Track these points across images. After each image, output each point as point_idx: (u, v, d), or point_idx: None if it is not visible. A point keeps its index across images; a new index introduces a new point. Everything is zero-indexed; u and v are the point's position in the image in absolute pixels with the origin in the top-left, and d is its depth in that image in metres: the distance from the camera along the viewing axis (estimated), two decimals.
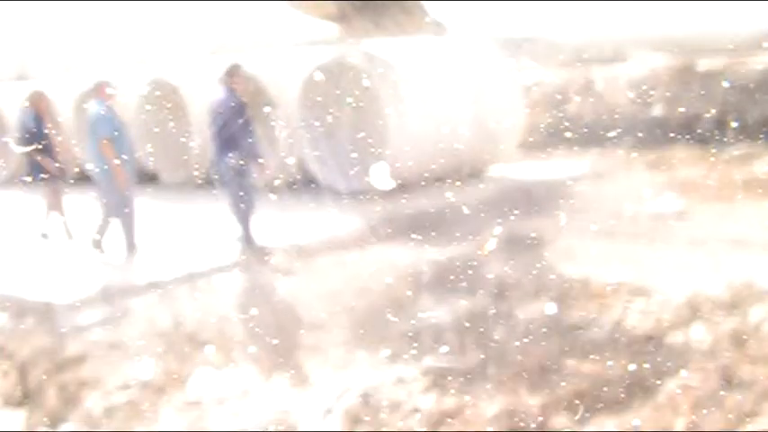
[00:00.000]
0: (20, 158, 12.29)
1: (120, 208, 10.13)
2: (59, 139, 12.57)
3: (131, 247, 10.17)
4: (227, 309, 8.29)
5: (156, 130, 15.81)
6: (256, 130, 10.34)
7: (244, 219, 10.03)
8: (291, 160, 13.22)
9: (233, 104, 9.87)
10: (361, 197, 11.93)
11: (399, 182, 12.22)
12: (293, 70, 13.39)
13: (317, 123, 13.05)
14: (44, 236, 11.91)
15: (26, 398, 8.07)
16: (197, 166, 14.82)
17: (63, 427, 7.48)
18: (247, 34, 15.49)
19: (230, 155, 9.76)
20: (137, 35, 18.05)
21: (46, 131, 11.91)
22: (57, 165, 11.86)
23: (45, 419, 7.79)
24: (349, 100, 13.10)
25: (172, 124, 15.68)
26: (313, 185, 13.05)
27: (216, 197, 13.37)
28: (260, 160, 10.21)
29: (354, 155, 12.90)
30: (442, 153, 12.46)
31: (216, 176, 10.27)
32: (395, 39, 13.54)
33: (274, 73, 13.71)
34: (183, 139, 15.26)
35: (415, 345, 7.69)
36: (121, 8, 17.90)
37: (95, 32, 19.48)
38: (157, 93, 15.69)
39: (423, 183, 12.34)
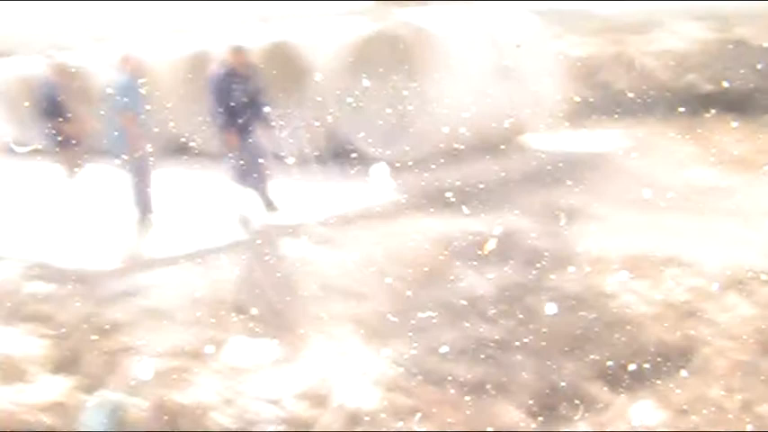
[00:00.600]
0: (42, 127, 12.40)
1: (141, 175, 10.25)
2: (81, 109, 12.70)
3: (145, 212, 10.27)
4: (265, 277, 8.31)
5: (193, 100, 15.81)
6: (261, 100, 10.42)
7: (258, 187, 10.21)
8: (329, 129, 13.21)
9: (231, 78, 10.14)
10: (398, 166, 11.91)
11: (437, 150, 12.19)
12: (333, 39, 13.35)
13: (355, 92, 12.99)
14: (74, 203, 12.06)
15: (66, 363, 8.17)
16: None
17: (102, 392, 7.58)
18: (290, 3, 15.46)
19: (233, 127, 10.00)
20: (180, 4, 18.10)
21: (67, 101, 12.05)
22: (78, 134, 12.02)
23: (85, 385, 7.91)
24: (387, 68, 13.03)
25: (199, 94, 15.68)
26: (351, 154, 13.03)
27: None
28: (269, 128, 10.39)
29: (392, 123, 12.86)
30: (480, 122, 12.38)
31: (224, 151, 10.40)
32: (431, 7, 13.45)
33: (315, 41, 13.68)
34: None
35: (454, 314, 7.71)
36: None
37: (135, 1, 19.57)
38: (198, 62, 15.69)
39: (459, 152, 12.27)
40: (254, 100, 10.19)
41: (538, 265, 8.66)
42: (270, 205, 10.24)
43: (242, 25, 15.88)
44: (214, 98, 10.15)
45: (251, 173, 10.16)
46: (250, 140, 10.10)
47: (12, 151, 17.73)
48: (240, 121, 9.99)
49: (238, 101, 10.04)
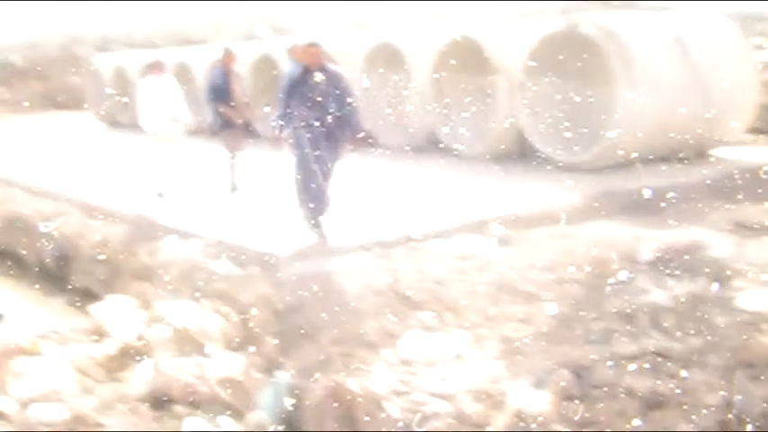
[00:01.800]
0: (208, 112, 12.88)
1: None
2: (245, 98, 13.10)
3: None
4: (443, 273, 8.33)
5: (377, 93, 16.05)
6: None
7: (318, 198, 9.46)
8: (515, 129, 13.10)
9: (302, 76, 9.45)
10: (581, 170, 11.70)
11: (621, 157, 11.92)
12: (519, 39, 13.25)
13: (540, 93, 12.84)
14: (234, 188, 12.44)
15: (245, 343, 8.43)
16: (412, 130, 14.99)
17: (279, 373, 7.77)
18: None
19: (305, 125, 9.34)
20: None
21: (232, 88, 12.44)
22: (240, 120, 12.41)
23: (261, 365, 8.14)
24: (574, 70, 12.82)
25: (391, 89, 15.92)
26: (533, 156, 12.89)
27: (435, 162, 13.57)
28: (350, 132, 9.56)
29: (577, 127, 12.64)
30: (668, 131, 12.01)
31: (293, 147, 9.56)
32: (624, 11, 13.15)
33: (499, 40, 13.62)
34: (402, 104, 15.48)
35: (631, 325, 7.51)
36: None
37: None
38: (380, 56, 15.90)
39: (644, 159, 11.94)
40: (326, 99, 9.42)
41: (720, 279, 8.34)
42: (316, 218, 9.57)
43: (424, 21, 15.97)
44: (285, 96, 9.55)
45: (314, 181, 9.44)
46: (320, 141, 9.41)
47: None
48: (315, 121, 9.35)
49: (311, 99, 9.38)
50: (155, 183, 12.45)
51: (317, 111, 9.28)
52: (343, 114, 9.36)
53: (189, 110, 12.96)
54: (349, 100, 9.44)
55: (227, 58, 12.81)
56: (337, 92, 9.37)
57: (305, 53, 9.53)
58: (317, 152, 9.27)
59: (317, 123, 9.27)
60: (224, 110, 12.38)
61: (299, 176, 9.36)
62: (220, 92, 12.48)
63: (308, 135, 9.28)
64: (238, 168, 12.54)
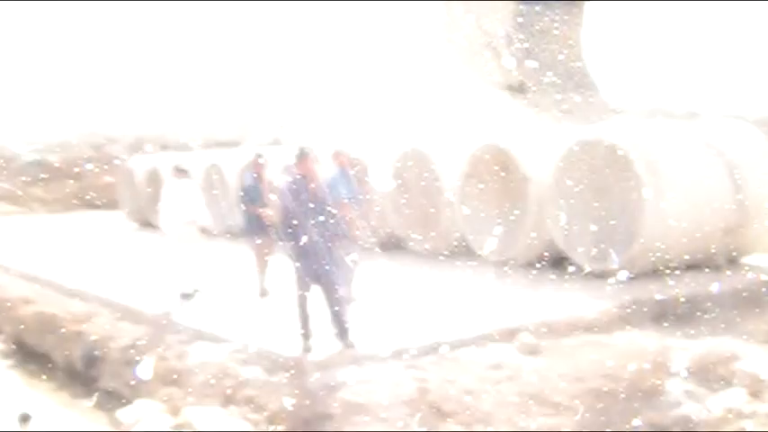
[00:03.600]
0: (240, 215, 13.09)
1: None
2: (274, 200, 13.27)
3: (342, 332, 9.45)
4: (473, 382, 8.26)
5: (406, 199, 16.19)
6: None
7: (339, 307, 9.39)
8: (547, 237, 13.11)
9: (300, 191, 9.48)
10: (611, 279, 11.66)
11: (651, 265, 11.89)
12: (548, 147, 13.37)
13: (570, 201, 12.88)
14: (263, 293, 12.48)
15: None
16: (445, 236, 15.05)
17: None
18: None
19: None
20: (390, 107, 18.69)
21: (264, 193, 12.65)
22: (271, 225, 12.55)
23: None
24: (605, 177, 12.89)
25: (422, 195, 16.06)
26: (563, 263, 12.87)
27: (463, 268, 13.58)
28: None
29: (610, 235, 12.63)
30: (699, 239, 11.99)
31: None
32: (653, 120, 13.26)
33: (528, 148, 13.75)
34: (432, 210, 15.59)
35: None
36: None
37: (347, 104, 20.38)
38: (410, 163, 16.08)
39: (678, 268, 11.89)
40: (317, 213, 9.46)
41: (759, 392, 8.24)
42: (342, 328, 9.42)
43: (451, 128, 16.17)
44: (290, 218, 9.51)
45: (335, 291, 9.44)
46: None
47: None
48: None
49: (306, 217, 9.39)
50: (181, 284, 12.50)
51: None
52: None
53: (213, 213, 13.15)
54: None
55: (259, 162, 13.04)
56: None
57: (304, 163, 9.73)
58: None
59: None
60: (256, 214, 12.52)
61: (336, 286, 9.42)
62: (252, 196, 12.67)
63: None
64: (268, 273, 12.60)
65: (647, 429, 7.47)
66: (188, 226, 12.66)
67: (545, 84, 31.47)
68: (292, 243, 9.35)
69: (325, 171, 10.38)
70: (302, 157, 9.66)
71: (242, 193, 13.04)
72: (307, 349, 9.26)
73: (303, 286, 9.40)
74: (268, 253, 12.64)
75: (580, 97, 30.13)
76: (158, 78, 37.42)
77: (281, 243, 10.16)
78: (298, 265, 9.37)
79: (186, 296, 12.33)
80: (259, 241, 12.58)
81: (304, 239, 9.22)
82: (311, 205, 9.39)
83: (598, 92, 31.69)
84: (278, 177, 10.42)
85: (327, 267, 9.30)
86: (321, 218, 9.37)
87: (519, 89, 32.22)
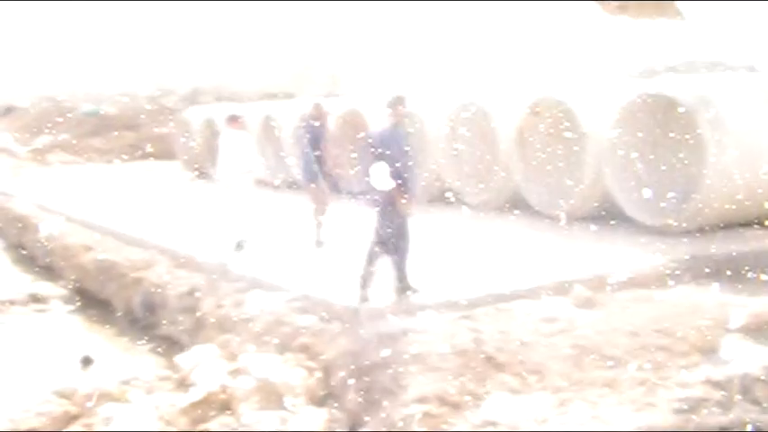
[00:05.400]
0: (298, 165, 13.06)
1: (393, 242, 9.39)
2: (334, 150, 13.27)
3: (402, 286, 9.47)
4: (527, 334, 8.28)
5: (463, 151, 16.15)
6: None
7: (400, 258, 9.35)
8: (603, 191, 13.01)
9: (397, 135, 9.34)
10: (668, 233, 11.55)
11: (709, 221, 11.77)
12: (606, 100, 13.22)
13: (630, 155, 12.76)
14: (320, 243, 12.53)
15: (328, 398, 8.48)
16: (501, 189, 15.01)
17: (361, 429, 7.80)
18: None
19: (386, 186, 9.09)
20: (445, 59, 18.56)
21: (324, 143, 12.63)
22: (331, 174, 12.56)
23: (343, 421, 8.17)
24: (666, 133, 12.73)
25: (478, 148, 16.00)
26: (620, 217, 12.78)
27: (517, 221, 13.56)
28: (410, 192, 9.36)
29: (665, 190, 12.50)
30: (758, 195, 11.82)
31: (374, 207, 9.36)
32: (716, 75, 13.03)
33: (586, 101, 13.60)
34: (488, 163, 15.55)
35: (718, 392, 7.37)
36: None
37: (404, 55, 20.27)
38: (466, 115, 16.00)
39: (735, 225, 11.75)
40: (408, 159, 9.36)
41: None
42: (402, 277, 9.43)
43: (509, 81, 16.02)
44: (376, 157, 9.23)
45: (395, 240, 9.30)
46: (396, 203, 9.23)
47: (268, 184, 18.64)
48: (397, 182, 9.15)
49: (399, 160, 9.20)
50: (235, 234, 12.55)
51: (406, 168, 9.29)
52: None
53: (269, 164, 13.16)
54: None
55: (318, 112, 13.02)
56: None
57: (395, 110, 9.51)
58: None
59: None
60: (315, 163, 12.53)
61: (399, 235, 9.28)
62: (312, 146, 12.66)
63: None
64: (325, 223, 12.66)
65: (704, 384, 7.43)
66: (243, 176, 12.73)
67: None
68: (379, 193, 9.12)
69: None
70: (396, 103, 9.42)
71: (300, 143, 13.01)
72: (364, 299, 9.31)
73: (383, 239, 9.22)
74: (325, 200, 12.67)
75: None
76: (214, 30, 37.53)
77: (359, 193, 9.80)
78: (383, 215, 9.18)
79: (239, 246, 12.40)
80: (315, 187, 12.62)
81: (395, 189, 9.05)
82: (407, 153, 9.27)
83: None
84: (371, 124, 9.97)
85: (403, 219, 9.24)
86: (411, 168, 9.27)
87: None
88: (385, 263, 9.35)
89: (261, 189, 13.25)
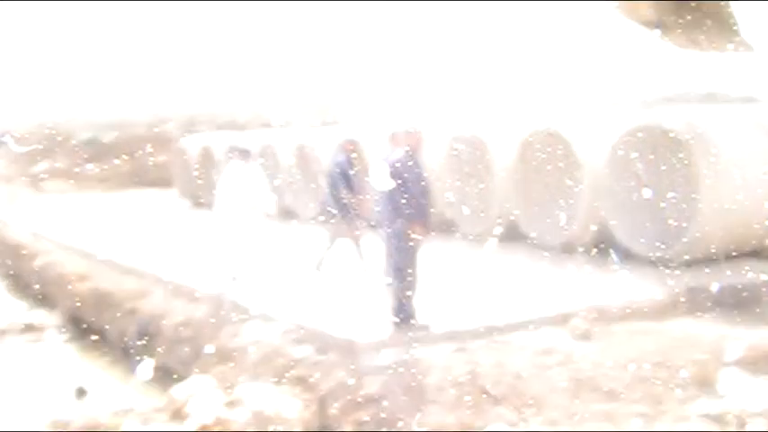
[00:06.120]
0: (327, 197, 12.96)
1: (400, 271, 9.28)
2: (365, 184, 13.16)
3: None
4: (524, 367, 8.25)
5: (459, 182, 16.17)
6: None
7: (405, 289, 9.22)
8: (600, 222, 13.02)
9: (411, 165, 9.23)
10: (665, 266, 11.54)
11: (706, 252, 11.76)
12: (602, 132, 13.25)
13: (624, 187, 12.77)
14: (319, 267, 12.55)
15: (323, 429, 8.44)
16: (499, 219, 15.01)
17: None
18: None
19: (401, 219, 9.05)
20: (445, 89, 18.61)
21: (354, 175, 12.58)
22: (361, 208, 12.49)
23: None
24: (660, 163, 12.74)
25: (474, 177, 16.03)
26: (617, 249, 12.77)
27: (514, 252, 13.54)
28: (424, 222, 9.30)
29: (660, 223, 12.51)
30: (755, 226, 11.83)
31: (386, 240, 9.31)
32: (710, 104, 13.08)
33: (583, 133, 13.64)
34: (485, 193, 15.56)
35: (718, 425, 7.35)
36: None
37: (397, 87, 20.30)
38: (461, 146, 16.04)
39: (731, 257, 11.74)
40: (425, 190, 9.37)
41: None
42: (409, 310, 9.29)
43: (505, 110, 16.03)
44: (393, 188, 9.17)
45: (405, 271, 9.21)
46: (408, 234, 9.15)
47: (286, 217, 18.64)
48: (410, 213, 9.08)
49: (415, 191, 9.16)
50: (231, 265, 12.37)
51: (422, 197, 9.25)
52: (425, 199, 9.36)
53: (271, 195, 13.02)
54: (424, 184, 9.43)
55: (351, 145, 12.97)
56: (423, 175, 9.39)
57: (411, 138, 9.46)
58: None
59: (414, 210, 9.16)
60: (347, 199, 12.41)
61: (405, 265, 9.19)
62: (343, 180, 12.54)
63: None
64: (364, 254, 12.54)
65: (702, 418, 7.41)
66: (252, 210, 12.44)
67: None
68: (394, 225, 9.10)
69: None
70: (412, 132, 9.41)
71: (336, 176, 12.72)
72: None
73: (403, 271, 9.14)
74: (360, 235, 12.58)
75: None
76: (211, 58, 37.68)
77: (377, 225, 9.67)
78: (398, 248, 9.13)
79: (235, 279, 12.22)
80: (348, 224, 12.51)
81: (409, 219, 9.02)
82: (422, 182, 9.25)
83: None
84: (383, 153, 9.80)
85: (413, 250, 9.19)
86: (425, 197, 9.26)
87: None
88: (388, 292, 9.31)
89: (284, 221, 13.11)
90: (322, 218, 13.30)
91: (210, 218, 13.93)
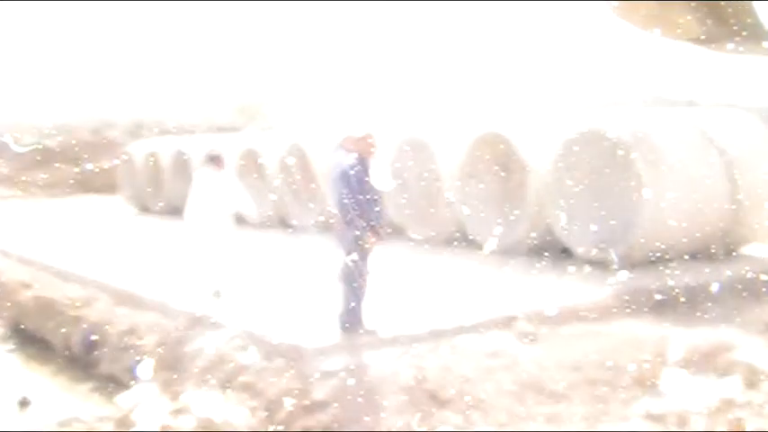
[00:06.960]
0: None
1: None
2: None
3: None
4: (470, 370, 8.30)
5: (406, 186, 16.21)
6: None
7: (354, 295, 9.16)
8: (545, 226, 13.13)
9: (362, 170, 9.14)
10: (608, 267, 11.67)
11: (649, 254, 11.93)
12: (548, 136, 13.37)
13: (569, 190, 12.90)
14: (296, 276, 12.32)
15: None
16: (445, 223, 15.07)
17: None
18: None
19: (360, 223, 8.96)
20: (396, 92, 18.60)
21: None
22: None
23: None
24: (604, 166, 12.89)
25: (422, 181, 16.09)
26: (563, 252, 12.89)
27: (461, 255, 13.61)
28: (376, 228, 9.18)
29: (603, 225, 12.65)
30: (697, 228, 12.02)
31: (343, 245, 9.18)
32: (653, 108, 13.24)
33: (529, 137, 13.76)
34: (432, 196, 15.61)
35: (661, 428, 7.45)
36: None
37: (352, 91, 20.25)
38: (407, 149, 16.09)
39: (675, 258, 11.91)
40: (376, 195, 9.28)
41: (754, 382, 8.27)
42: (356, 315, 9.22)
43: (451, 114, 16.11)
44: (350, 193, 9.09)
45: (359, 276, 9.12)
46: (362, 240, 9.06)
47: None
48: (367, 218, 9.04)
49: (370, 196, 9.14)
50: (213, 281, 11.58)
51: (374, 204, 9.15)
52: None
53: (250, 200, 12.32)
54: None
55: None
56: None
57: (362, 143, 9.31)
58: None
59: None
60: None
61: (360, 273, 9.08)
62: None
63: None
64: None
65: (644, 418, 7.51)
66: (227, 218, 11.70)
67: None
68: (358, 230, 8.98)
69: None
70: (364, 136, 9.25)
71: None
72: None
73: (353, 276, 9.04)
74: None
75: None
76: (156, 62, 37.37)
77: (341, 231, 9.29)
78: (360, 253, 9.01)
79: (217, 294, 11.44)
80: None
81: (362, 224, 8.94)
82: (374, 187, 9.12)
83: None
84: (336, 158, 9.42)
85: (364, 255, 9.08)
86: (377, 202, 9.16)
87: None
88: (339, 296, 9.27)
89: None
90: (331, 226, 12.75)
91: (155, 224, 13.73)
